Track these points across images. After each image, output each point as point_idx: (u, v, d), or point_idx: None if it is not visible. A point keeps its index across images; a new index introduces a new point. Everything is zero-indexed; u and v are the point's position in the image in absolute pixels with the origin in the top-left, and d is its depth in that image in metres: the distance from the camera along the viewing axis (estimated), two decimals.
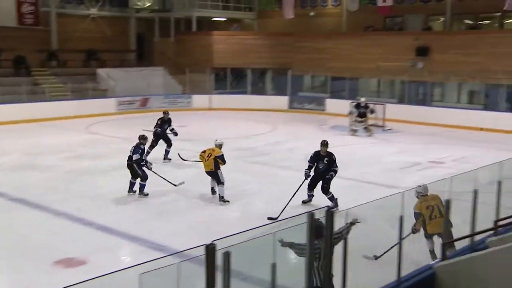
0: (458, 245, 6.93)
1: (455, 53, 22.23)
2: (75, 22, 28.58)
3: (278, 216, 9.58)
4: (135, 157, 11.04)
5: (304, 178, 10.42)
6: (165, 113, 15.04)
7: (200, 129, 20.40)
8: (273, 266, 4.50)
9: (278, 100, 26.11)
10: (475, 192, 7.06)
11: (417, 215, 7.67)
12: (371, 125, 19.55)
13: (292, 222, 4.49)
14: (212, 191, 11.17)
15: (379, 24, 26.58)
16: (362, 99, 19.88)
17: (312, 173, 10.49)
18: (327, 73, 26.00)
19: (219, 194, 10.85)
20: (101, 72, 26.20)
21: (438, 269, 6.22)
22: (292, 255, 5.58)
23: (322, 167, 10.36)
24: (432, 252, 7.63)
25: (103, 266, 7.78)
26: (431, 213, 7.68)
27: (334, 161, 10.41)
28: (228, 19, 31.53)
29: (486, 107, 21.89)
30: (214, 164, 10.83)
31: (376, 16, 25.48)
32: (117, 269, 3.61)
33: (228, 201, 10.79)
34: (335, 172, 10.41)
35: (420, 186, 7.99)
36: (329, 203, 10.11)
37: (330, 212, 4.58)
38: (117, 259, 8.19)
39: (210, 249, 3.57)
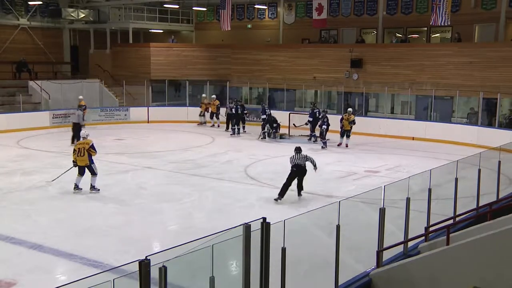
0: (392, 252, 7.13)
1: (387, 65, 23.07)
2: (4, 32, 27.54)
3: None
4: None
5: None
6: None
7: (138, 142, 20.06)
8: (212, 280, 4.47)
9: None
10: (408, 200, 7.33)
11: None
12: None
13: (229, 235, 4.49)
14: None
15: (315, 36, 27.19)
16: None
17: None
18: (265, 85, 26.30)
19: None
20: (33, 84, 25.29)
21: (374, 276, 6.40)
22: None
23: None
24: None
25: (35, 286, 7.48)
26: None
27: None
28: (166, 30, 31.31)
29: (417, 117, 22.78)
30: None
31: (312, 29, 26.06)
32: None
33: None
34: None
35: None
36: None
37: (266, 224, 4.62)
38: (50, 278, 7.86)
39: (144, 265, 3.51)
